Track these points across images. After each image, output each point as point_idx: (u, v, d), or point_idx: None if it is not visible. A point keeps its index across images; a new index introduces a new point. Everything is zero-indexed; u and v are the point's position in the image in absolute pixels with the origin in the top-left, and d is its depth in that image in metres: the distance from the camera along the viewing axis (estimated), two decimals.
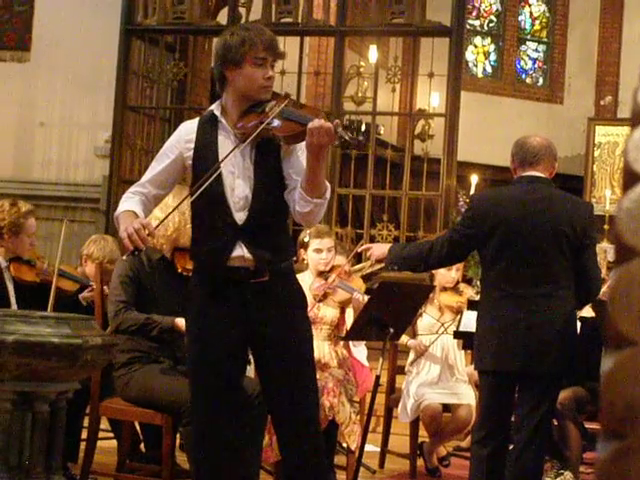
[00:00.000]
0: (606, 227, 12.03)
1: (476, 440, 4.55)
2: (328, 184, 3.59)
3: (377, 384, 5.20)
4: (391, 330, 5.12)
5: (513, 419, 4.56)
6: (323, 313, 5.53)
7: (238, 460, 3.82)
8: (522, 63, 15.61)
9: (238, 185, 3.61)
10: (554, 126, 14.25)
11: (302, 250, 5.56)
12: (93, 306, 5.42)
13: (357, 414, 5.54)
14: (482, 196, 5.01)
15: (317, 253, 5.52)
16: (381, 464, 6.34)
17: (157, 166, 3.73)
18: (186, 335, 3.87)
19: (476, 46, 15.44)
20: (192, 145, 3.68)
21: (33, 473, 4.03)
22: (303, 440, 3.70)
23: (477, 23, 15.46)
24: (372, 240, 8.97)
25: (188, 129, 3.74)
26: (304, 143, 3.53)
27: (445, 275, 6.22)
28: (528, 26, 15.68)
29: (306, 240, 5.51)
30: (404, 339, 6.07)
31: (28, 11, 10.20)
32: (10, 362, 3.88)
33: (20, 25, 10.23)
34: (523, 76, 15.59)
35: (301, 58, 9.38)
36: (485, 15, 15.50)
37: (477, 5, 15.36)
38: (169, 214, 3.88)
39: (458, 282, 6.40)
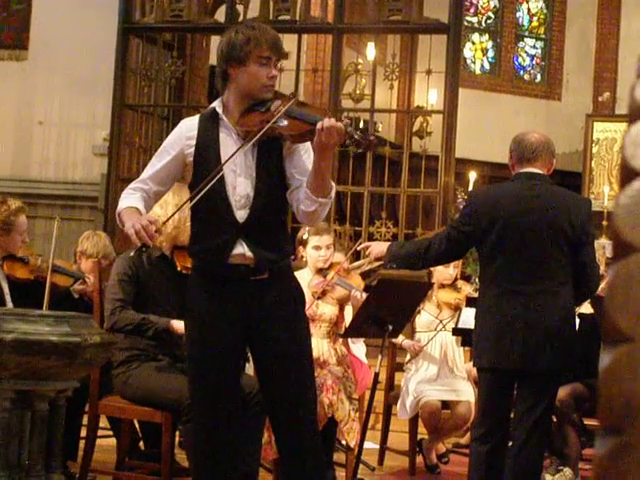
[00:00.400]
0: (604, 223, 12.04)
1: (475, 437, 4.55)
2: (333, 184, 3.60)
3: (376, 381, 5.20)
4: (390, 327, 5.13)
5: (512, 416, 4.57)
6: (322, 310, 5.53)
7: (237, 458, 3.82)
8: (520, 60, 15.62)
9: (240, 183, 3.61)
10: (552, 123, 14.25)
11: (301, 247, 5.56)
12: (85, 298, 5.43)
13: (356, 411, 5.55)
14: (480, 193, 5.01)
15: (316, 250, 5.52)
16: (380, 461, 6.35)
17: (158, 163, 3.72)
18: (185, 332, 3.86)
19: (474, 43, 15.44)
20: (193, 142, 3.67)
21: (32, 471, 4.03)
22: (301, 438, 3.71)
23: (475, 20, 15.47)
24: (371, 237, 8.97)
25: (189, 126, 3.73)
26: (307, 143, 3.56)
27: (443, 272, 6.22)
28: (526, 23, 15.69)
29: (305, 237, 5.51)
30: (399, 339, 6.07)
31: (26, 9, 10.19)
32: (9, 361, 3.88)
33: (18, 23, 10.22)
34: (521, 73, 15.59)
35: (299, 56, 9.38)
36: (483, 12, 15.50)
37: (475, 2, 15.36)
38: (177, 211, 3.83)
39: (456, 279, 6.41)
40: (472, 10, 15.31)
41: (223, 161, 3.60)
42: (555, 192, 4.51)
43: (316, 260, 5.52)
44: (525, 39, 15.68)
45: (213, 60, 10.30)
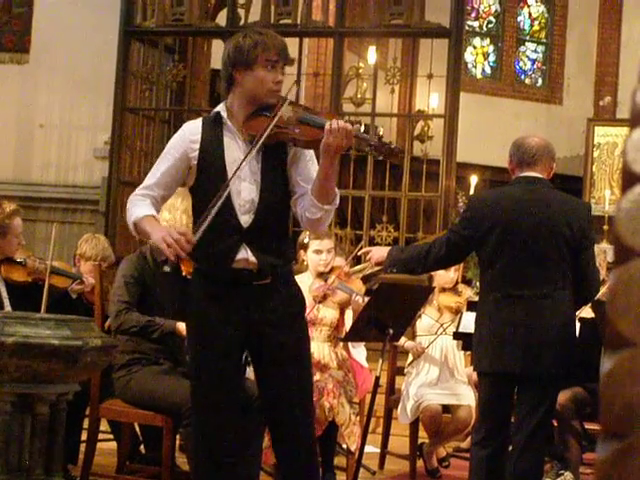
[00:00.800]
0: (605, 228, 12.03)
1: (476, 441, 4.55)
2: (337, 191, 3.61)
3: (377, 385, 5.20)
4: (391, 331, 5.12)
5: (513, 420, 4.56)
6: (323, 314, 5.53)
7: (238, 462, 3.82)
8: (521, 64, 15.62)
9: (244, 188, 3.61)
10: (553, 127, 14.25)
11: (302, 251, 5.56)
12: (83, 300, 5.43)
13: (357, 415, 5.55)
14: (480, 197, 5.01)
15: (317, 254, 5.52)
16: (381, 465, 6.34)
17: (162, 167, 3.72)
18: (187, 336, 3.86)
19: (475, 47, 15.44)
20: (197, 145, 3.67)
21: (33, 475, 4.03)
22: (298, 442, 3.72)
23: (476, 24, 15.47)
24: (371, 241, 8.97)
25: (192, 129, 3.73)
26: (311, 151, 3.60)
27: (444, 276, 6.22)
28: (527, 27, 15.69)
29: (306, 241, 5.52)
30: (401, 341, 6.07)
31: (27, 13, 10.20)
32: (10, 364, 3.88)
33: (19, 27, 10.23)
34: (522, 77, 15.59)
35: (300, 59, 9.38)
36: (484, 16, 15.51)
37: (476, 6, 15.36)
38: (208, 219, 3.61)
39: (457, 283, 6.41)
40: (473, 14, 15.31)
41: (227, 165, 3.60)
42: (555, 196, 4.51)
43: (317, 264, 5.52)
44: (526, 43, 15.68)
45: (214, 64, 10.32)
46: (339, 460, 5.74)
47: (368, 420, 5.18)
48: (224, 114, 3.68)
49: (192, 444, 3.90)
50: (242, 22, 9.46)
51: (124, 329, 4.77)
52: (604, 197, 12.95)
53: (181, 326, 4.72)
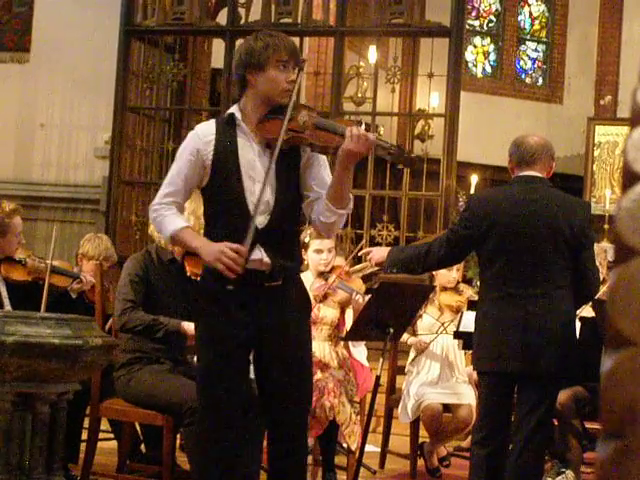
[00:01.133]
0: (606, 227, 12.03)
1: (476, 440, 4.55)
2: (351, 196, 3.68)
3: (377, 384, 5.20)
4: (391, 330, 5.12)
5: (513, 419, 4.56)
6: (323, 313, 5.53)
7: (239, 460, 3.83)
8: (522, 63, 15.62)
9: (258, 190, 3.64)
10: (554, 126, 14.25)
11: (302, 250, 5.56)
12: (85, 299, 5.43)
13: (357, 414, 5.55)
14: (479, 196, 5.02)
15: (317, 254, 5.52)
16: (381, 464, 6.34)
17: (182, 173, 3.72)
18: (195, 334, 3.87)
19: (475, 46, 15.44)
20: (212, 146, 3.69)
21: (33, 474, 4.03)
22: (293, 442, 3.79)
23: (477, 23, 15.47)
24: (372, 240, 8.97)
25: (205, 130, 3.75)
26: (324, 157, 3.69)
27: (446, 275, 6.22)
28: (527, 26, 15.68)
29: (307, 241, 5.52)
30: (405, 337, 6.07)
31: (27, 12, 10.20)
32: (10, 363, 3.88)
33: (20, 26, 10.23)
34: (523, 76, 15.59)
35: None
36: (484, 15, 15.50)
37: (476, 5, 15.36)
38: (251, 233, 3.62)
39: (458, 282, 6.41)
40: (474, 13, 15.31)
41: (242, 166, 3.65)
42: (554, 195, 4.50)
43: (317, 263, 5.52)
44: (527, 42, 15.68)
45: (215, 63, 10.33)
46: (340, 459, 5.74)
47: (369, 419, 5.18)
48: (238, 115, 3.71)
49: (195, 441, 3.90)
50: (242, 21, 9.46)
51: (129, 328, 4.77)
52: (604, 196, 12.95)
53: (186, 325, 4.72)
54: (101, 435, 5.33)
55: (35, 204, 9.63)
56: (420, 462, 6.16)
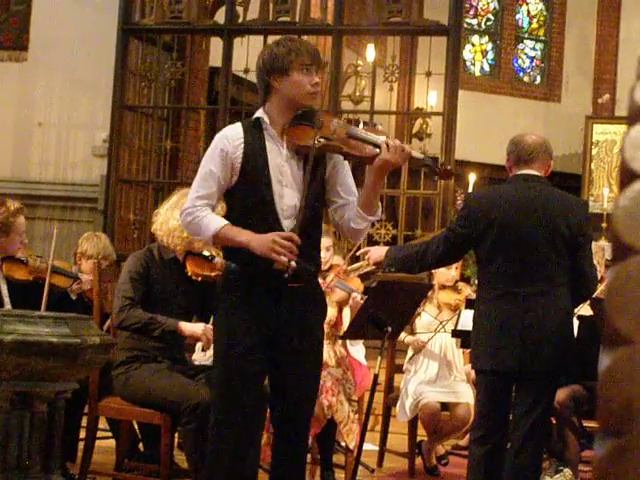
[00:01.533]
0: (604, 225, 12.04)
1: (474, 439, 4.55)
2: (379, 202, 3.79)
3: (375, 383, 5.20)
4: (389, 329, 5.12)
5: (511, 418, 4.56)
6: None
7: (249, 457, 3.89)
8: (520, 61, 15.62)
9: (286, 194, 3.72)
10: (552, 124, 14.26)
11: None
12: (85, 299, 5.43)
13: (355, 413, 5.55)
14: (477, 195, 5.02)
15: None
16: (380, 463, 6.35)
17: (214, 175, 3.74)
18: (215, 331, 3.92)
19: (474, 45, 15.45)
20: (241, 149, 3.74)
21: (31, 473, 4.03)
22: (297, 442, 3.88)
23: (475, 22, 15.47)
24: (370, 239, 8.97)
25: (233, 134, 3.79)
26: (347, 163, 3.78)
27: (445, 273, 6.22)
28: (525, 24, 15.69)
29: None
30: (402, 336, 6.07)
31: (25, 10, 10.19)
32: (8, 362, 3.88)
33: (17, 25, 10.22)
34: (521, 74, 15.59)
35: None
36: (482, 14, 15.51)
37: (475, 4, 15.36)
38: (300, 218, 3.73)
39: (457, 280, 6.41)
40: (472, 12, 15.32)
41: (271, 170, 3.71)
42: (552, 194, 4.50)
43: None
44: (525, 41, 15.68)
45: (213, 62, 10.32)
46: (338, 458, 5.74)
47: (367, 418, 5.18)
48: (266, 120, 3.76)
49: (212, 436, 3.89)
50: (240, 20, 9.46)
51: (126, 325, 4.77)
52: (602, 195, 12.96)
53: (182, 326, 4.73)
54: (99, 434, 5.33)
55: (33, 203, 9.62)
56: (418, 461, 6.17)
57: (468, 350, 6.13)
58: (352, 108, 9.61)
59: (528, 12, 15.66)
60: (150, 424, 4.99)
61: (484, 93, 14.91)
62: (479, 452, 4.47)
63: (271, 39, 9.35)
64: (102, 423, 5.47)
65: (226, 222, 3.68)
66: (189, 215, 3.72)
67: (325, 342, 5.52)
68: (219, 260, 4.93)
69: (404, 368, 6.35)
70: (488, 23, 15.55)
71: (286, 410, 3.84)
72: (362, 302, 5.24)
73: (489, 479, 4.45)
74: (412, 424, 6.11)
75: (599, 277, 5.00)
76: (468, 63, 15.22)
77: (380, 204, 3.80)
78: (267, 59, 3.74)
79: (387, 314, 5.09)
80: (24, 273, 5.31)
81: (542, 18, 15.64)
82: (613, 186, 13.17)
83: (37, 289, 5.10)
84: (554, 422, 5.41)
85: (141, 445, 5.58)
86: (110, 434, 5.70)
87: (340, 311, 5.67)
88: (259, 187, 3.70)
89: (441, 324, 6.18)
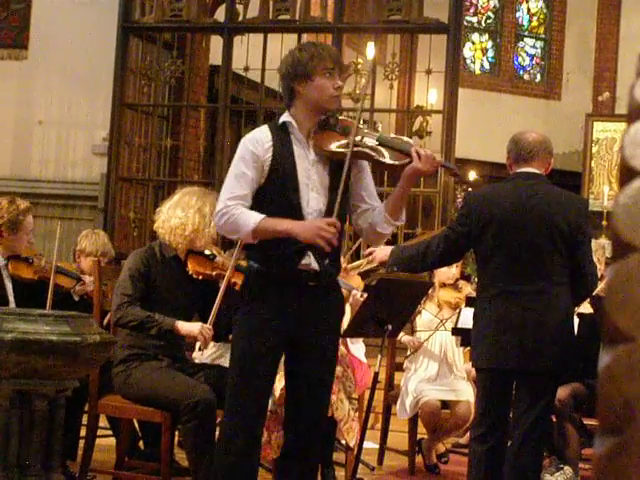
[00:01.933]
0: (604, 223, 12.04)
1: (474, 437, 4.56)
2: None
3: (376, 381, 5.20)
4: (389, 327, 5.12)
5: (512, 415, 4.56)
6: None
7: (255, 453, 3.92)
8: (520, 59, 15.62)
9: (312, 198, 3.78)
10: (552, 122, 14.25)
11: None
12: (88, 300, 5.43)
13: (356, 411, 5.55)
14: (476, 193, 5.02)
15: None
16: (380, 461, 6.35)
17: (246, 176, 3.77)
18: (234, 329, 3.95)
19: (474, 43, 15.45)
20: (270, 153, 3.79)
21: (32, 471, 4.03)
22: (312, 441, 3.94)
23: (475, 20, 15.47)
24: None
25: (262, 136, 3.83)
26: (368, 167, 3.87)
27: (445, 272, 6.22)
28: (526, 22, 15.69)
29: None
30: (399, 335, 6.07)
31: (25, 9, 10.18)
32: (9, 360, 3.88)
33: (17, 23, 10.22)
34: (521, 72, 15.59)
35: None
36: (482, 12, 15.51)
37: (475, 2, 15.36)
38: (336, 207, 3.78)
39: (457, 279, 6.41)
40: (472, 10, 15.32)
41: (299, 174, 3.77)
42: (551, 192, 4.50)
43: None
44: (525, 39, 15.68)
45: (213, 60, 10.32)
46: (338, 456, 5.74)
47: (367, 416, 5.18)
48: (294, 123, 3.81)
49: (224, 433, 3.93)
50: (240, 18, 9.46)
51: (123, 322, 4.77)
52: (603, 192, 12.97)
53: (179, 325, 4.72)
54: (99, 432, 5.33)
55: (33, 201, 9.60)
56: (419, 459, 6.17)
57: (468, 348, 6.14)
58: (352, 106, 9.61)
59: (528, 10, 15.66)
60: (150, 422, 5.00)
61: (484, 91, 14.91)
62: (480, 450, 4.47)
63: (271, 37, 9.38)
64: (102, 421, 5.47)
65: (262, 216, 3.68)
66: (224, 215, 3.71)
67: None
68: (220, 259, 4.94)
69: (404, 366, 6.35)
70: (488, 21, 15.55)
71: (299, 409, 3.90)
72: (362, 300, 5.24)
73: (490, 477, 4.45)
74: (412, 422, 6.11)
75: (599, 275, 4.99)
76: (468, 61, 15.22)
77: (404, 209, 3.89)
78: (290, 65, 3.80)
79: (387, 312, 5.09)
80: (30, 272, 5.32)
81: (542, 16, 15.64)
82: (613, 184, 13.18)
83: (41, 289, 5.11)
84: (554, 420, 5.41)
85: (141, 443, 5.59)
86: (110, 432, 5.70)
87: None
88: (287, 191, 3.76)
89: (441, 322, 6.18)
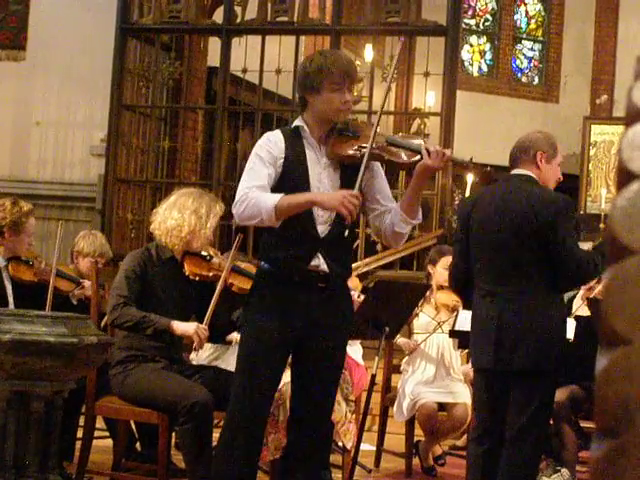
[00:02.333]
0: (601, 226, 12.04)
1: (472, 438, 4.57)
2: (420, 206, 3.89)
3: (373, 383, 5.20)
4: (387, 329, 5.12)
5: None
6: None
7: (256, 453, 3.94)
8: (518, 62, 15.63)
9: None
10: (550, 125, 14.25)
11: None
12: (86, 303, 5.43)
13: (353, 413, 5.55)
14: (466, 200, 5.06)
15: None
16: (377, 463, 6.34)
17: (264, 170, 3.78)
18: (241, 329, 3.98)
19: (472, 45, 15.45)
20: (283, 155, 3.82)
21: (28, 472, 4.03)
22: (318, 444, 3.99)
23: (473, 22, 15.48)
24: (367, 239, 8.97)
25: (276, 139, 3.86)
26: (381, 168, 3.89)
27: (442, 274, 6.22)
28: (524, 25, 15.70)
29: None
30: (395, 337, 6.08)
31: (23, 10, 10.19)
32: (6, 361, 3.88)
33: (15, 24, 10.22)
34: (519, 75, 15.60)
35: (297, 57, 9.38)
36: (481, 14, 15.52)
37: (473, 4, 15.37)
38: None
39: None
40: (470, 12, 15.32)
41: (311, 178, 3.81)
42: (525, 192, 4.42)
43: None
44: (523, 41, 15.69)
45: (211, 61, 10.32)
46: (335, 458, 5.73)
47: (364, 418, 5.18)
48: (307, 128, 3.86)
49: (228, 430, 3.93)
50: (239, 20, 9.46)
51: (119, 323, 4.77)
52: (600, 195, 12.97)
53: (175, 325, 4.72)
54: (96, 433, 5.32)
55: (31, 202, 9.61)
56: (415, 461, 6.17)
57: (465, 351, 6.15)
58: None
59: (526, 13, 15.67)
60: (147, 424, 4.99)
61: (482, 93, 14.91)
62: (477, 451, 4.48)
63: (269, 39, 9.38)
64: (99, 423, 5.46)
65: (280, 195, 3.66)
66: (243, 203, 3.67)
67: None
68: (216, 260, 4.94)
69: (401, 368, 6.35)
70: (486, 23, 15.56)
71: (305, 411, 3.92)
72: (360, 302, 5.24)
73: (487, 478, 4.45)
74: (409, 424, 6.11)
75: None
76: (466, 63, 15.23)
77: (420, 207, 3.89)
78: (301, 75, 3.85)
79: (385, 314, 5.10)
80: (30, 275, 5.32)
81: (540, 19, 15.65)
82: (611, 187, 13.18)
83: (41, 291, 5.11)
84: (552, 422, 5.41)
85: (138, 445, 5.58)
86: (107, 434, 5.70)
87: None
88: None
89: (438, 324, 6.18)
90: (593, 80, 14.58)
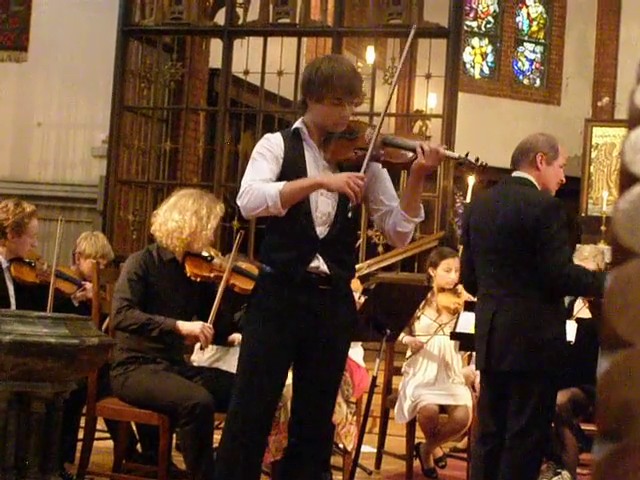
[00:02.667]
0: (603, 228, 12.04)
1: (476, 438, 4.59)
2: (421, 204, 3.88)
3: (373, 385, 5.20)
4: (388, 331, 5.12)
5: None
6: None
7: (258, 454, 3.94)
8: (519, 64, 15.62)
9: (322, 202, 3.82)
10: (551, 127, 14.23)
11: None
12: (88, 304, 5.43)
13: (353, 415, 5.55)
14: (466, 205, 5.10)
15: None
16: (377, 465, 6.34)
17: (268, 167, 3.79)
18: (243, 330, 3.99)
19: (473, 47, 15.45)
20: (282, 156, 3.82)
21: (29, 473, 4.02)
22: (320, 445, 4.05)
23: (474, 24, 15.47)
24: (369, 241, 8.97)
25: (276, 140, 3.87)
26: (385, 169, 3.87)
27: (444, 276, 6.22)
28: (525, 27, 15.69)
29: None
30: (400, 336, 6.07)
31: (25, 11, 10.20)
32: (7, 362, 3.88)
33: (17, 25, 10.23)
34: (520, 77, 15.60)
35: (298, 59, 9.38)
36: (482, 16, 15.51)
37: (474, 6, 15.37)
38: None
39: (456, 283, 6.40)
40: (472, 14, 15.32)
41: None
42: (513, 194, 4.42)
43: None
44: (524, 44, 15.69)
45: (212, 63, 10.32)
46: (335, 460, 5.73)
47: (365, 420, 5.18)
48: (305, 130, 3.87)
49: (230, 429, 3.93)
50: (240, 21, 9.47)
51: (124, 326, 4.77)
52: (602, 198, 12.97)
53: (180, 325, 4.73)
54: (97, 434, 5.32)
55: (32, 203, 9.61)
56: (416, 463, 6.16)
57: (467, 353, 6.16)
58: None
59: (528, 15, 15.67)
60: (148, 425, 4.99)
61: (484, 96, 14.91)
62: (480, 452, 4.49)
63: (271, 41, 9.39)
64: (100, 424, 5.46)
65: (282, 182, 3.67)
66: (247, 194, 3.66)
67: None
68: (218, 261, 4.94)
69: (402, 370, 6.34)
70: (488, 26, 15.56)
71: (306, 412, 3.93)
72: (361, 303, 5.24)
73: (489, 479, 4.46)
74: (410, 426, 6.11)
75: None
76: (468, 65, 15.23)
77: (422, 206, 3.89)
78: (305, 81, 3.85)
79: (386, 316, 5.10)
80: (32, 276, 5.33)
81: (542, 21, 15.64)
82: (612, 189, 13.17)
83: (42, 293, 5.11)
84: (553, 425, 5.40)
85: (139, 446, 5.58)
86: (108, 435, 5.70)
87: None
88: None
89: (440, 326, 6.18)
90: (595, 82, 14.58)
